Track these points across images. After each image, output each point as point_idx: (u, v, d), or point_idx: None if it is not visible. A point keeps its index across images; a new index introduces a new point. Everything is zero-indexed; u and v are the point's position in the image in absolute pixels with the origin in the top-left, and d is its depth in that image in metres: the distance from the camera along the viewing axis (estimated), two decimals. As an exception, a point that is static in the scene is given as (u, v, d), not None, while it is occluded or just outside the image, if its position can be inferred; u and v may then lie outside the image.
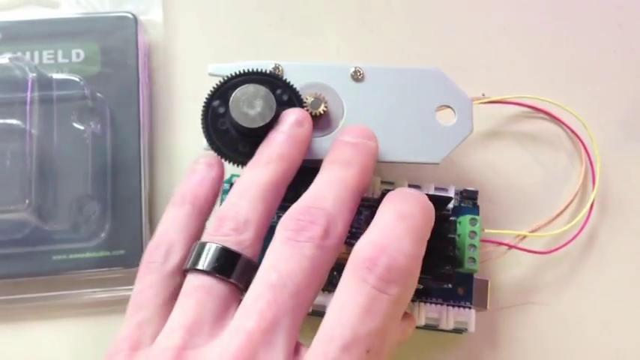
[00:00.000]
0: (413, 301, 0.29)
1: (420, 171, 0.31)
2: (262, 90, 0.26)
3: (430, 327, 0.30)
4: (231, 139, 0.27)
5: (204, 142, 0.27)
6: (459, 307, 0.29)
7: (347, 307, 0.22)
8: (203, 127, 0.27)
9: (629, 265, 0.33)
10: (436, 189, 0.30)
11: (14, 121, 0.30)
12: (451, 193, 0.30)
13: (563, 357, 0.32)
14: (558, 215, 0.33)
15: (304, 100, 0.28)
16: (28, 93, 0.30)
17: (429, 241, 0.25)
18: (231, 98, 0.26)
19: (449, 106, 0.29)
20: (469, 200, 0.31)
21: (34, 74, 0.31)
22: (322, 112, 0.28)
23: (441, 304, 0.29)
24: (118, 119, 0.32)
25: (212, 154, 0.27)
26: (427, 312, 0.29)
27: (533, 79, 0.35)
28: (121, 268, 0.31)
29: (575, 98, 0.34)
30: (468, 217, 0.28)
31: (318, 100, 0.28)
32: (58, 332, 0.31)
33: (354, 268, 0.22)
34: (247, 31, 0.35)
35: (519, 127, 0.35)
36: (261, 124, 0.26)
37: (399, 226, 0.23)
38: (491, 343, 0.32)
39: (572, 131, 0.34)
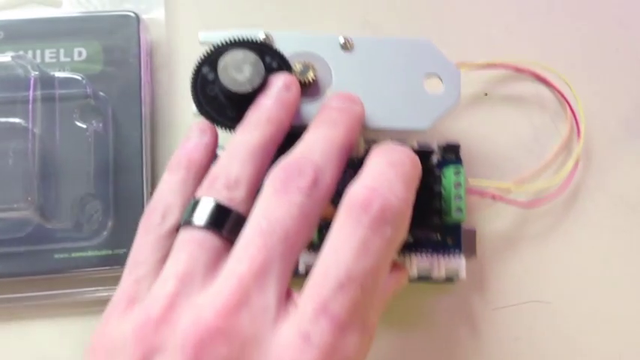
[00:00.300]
0: (404, 253, 0.30)
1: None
2: (251, 56, 0.26)
3: (423, 278, 0.30)
4: (220, 104, 0.27)
5: (193, 107, 0.28)
6: (449, 256, 0.30)
7: (341, 247, 0.22)
8: (192, 93, 0.27)
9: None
10: (419, 145, 0.31)
11: (17, 120, 0.30)
12: (433, 147, 0.31)
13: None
14: (542, 170, 0.33)
15: (293, 67, 0.28)
16: (31, 91, 0.30)
17: (416, 195, 0.26)
18: (220, 63, 0.26)
19: (437, 76, 0.29)
20: (451, 153, 0.32)
21: (37, 73, 0.31)
22: (311, 79, 0.28)
23: (432, 255, 0.30)
24: (120, 118, 0.32)
25: (202, 120, 0.28)
26: (419, 263, 0.30)
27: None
28: (123, 266, 0.31)
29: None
30: (452, 168, 0.29)
31: (306, 68, 0.28)
32: (60, 331, 0.31)
33: (349, 209, 0.23)
34: (250, 29, 0.35)
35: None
36: (249, 90, 0.26)
37: (389, 172, 0.24)
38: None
39: (557, 90, 0.35)
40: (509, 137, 0.34)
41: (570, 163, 0.33)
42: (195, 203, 0.24)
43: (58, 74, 0.32)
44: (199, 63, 0.27)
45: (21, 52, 0.31)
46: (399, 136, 0.30)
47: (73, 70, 0.32)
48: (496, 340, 0.32)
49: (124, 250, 0.31)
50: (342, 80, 0.29)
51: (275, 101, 0.26)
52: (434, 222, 0.29)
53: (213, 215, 0.24)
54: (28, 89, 0.30)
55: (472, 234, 0.31)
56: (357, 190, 0.23)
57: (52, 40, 0.33)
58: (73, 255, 0.31)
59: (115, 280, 0.30)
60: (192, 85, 0.27)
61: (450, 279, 0.31)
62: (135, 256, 0.25)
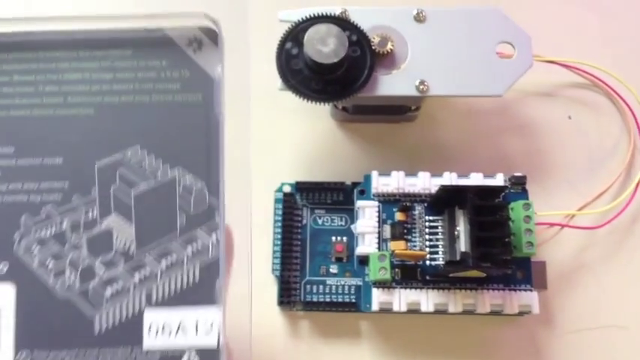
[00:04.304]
0: (475, 289, 0.30)
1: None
2: (334, 28, 0.28)
3: (495, 313, 0.31)
4: (305, 77, 0.28)
5: (279, 82, 0.29)
6: (520, 290, 0.31)
7: None
8: (278, 68, 0.28)
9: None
10: (485, 177, 0.32)
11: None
12: (500, 181, 0.31)
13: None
14: (604, 192, 0.34)
15: (371, 40, 0.29)
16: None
17: (488, 230, 0.27)
18: (305, 37, 0.27)
19: (509, 42, 0.30)
20: (518, 186, 0.32)
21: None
22: (389, 50, 0.29)
23: (503, 290, 0.31)
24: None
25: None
26: (491, 299, 0.30)
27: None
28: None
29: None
30: (521, 202, 0.30)
31: (384, 40, 0.29)
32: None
33: None
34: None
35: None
36: (335, 60, 0.27)
37: None
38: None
39: (627, 104, 0.35)
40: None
41: (631, 187, 0.33)
42: None
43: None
44: (283, 39, 0.28)
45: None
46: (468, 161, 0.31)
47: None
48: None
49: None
50: (418, 51, 0.30)
51: None
52: (505, 257, 0.29)
53: None
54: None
55: (542, 266, 0.31)
56: None
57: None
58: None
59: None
60: (278, 60, 0.28)
61: (521, 313, 0.31)
62: None
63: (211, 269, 0.23)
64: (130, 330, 0.23)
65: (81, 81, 0.25)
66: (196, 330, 0.23)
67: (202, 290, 0.23)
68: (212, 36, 0.25)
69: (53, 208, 0.24)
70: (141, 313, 0.23)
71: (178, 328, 0.23)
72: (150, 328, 0.23)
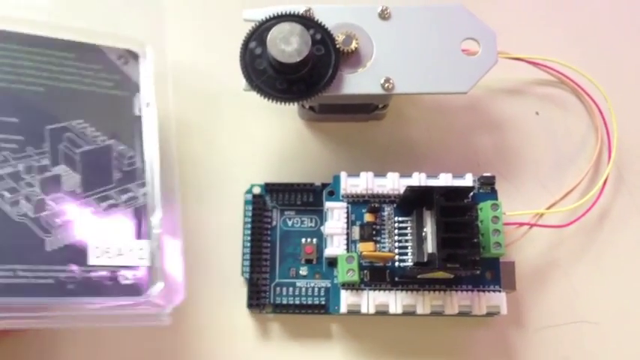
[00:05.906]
0: (444, 290, 0.30)
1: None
2: (297, 27, 0.27)
3: (463, 314, 0.31)
4: (269, 77, 0.28)
5: (243, 82, 0.28)
6: (488, 291, 0.31)
7: None
8: (242, 68, 0.28)
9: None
10: (454, 177, 0.31)
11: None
12: (469, 181, 0.31)
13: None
14: (572, 190, 0.34)
15: (336, 38, 0.29)
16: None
17: (456, 231, 0.27)
18: (268, 36, 0.27)
19: (473, 39, 0.30)
20: (487, 186, 0.32)
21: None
22: (354, 48, 0.29)
23: (472, 291, 0.31)
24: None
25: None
26: (459, 300, 0.30)
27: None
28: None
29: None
30: (489, 202, 0.29)
31: (349, 38, 0.29)
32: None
33: None
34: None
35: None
36: (298, 59, 0.27)
37: None
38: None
39: (594, 101, 0.35)
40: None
41: (599, 184, 0.33)
42: None
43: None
44: (246, 38, 0.28)
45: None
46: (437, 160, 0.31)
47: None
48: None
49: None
50: (383, 49, 0.30)
51: None
52: (473, 257, 0.28)
53: None
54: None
55: (511, 267, 0.31)
56: None
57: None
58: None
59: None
60: (242, 60, 0.28)
61: (490, 314, 0.31)
62: None
63: (142, 212, 0.29)
64: (77, 251, 0.27)
65: (31, 67, 0.29)
66: (131, 254, 0.29)
67: (135, 226, 0.29)
68: (136, 54, 0.32)
69: (10, 154, 0.28)
70: (86, 240, 0.28)
71: (117, 253, 0.28)
72: (95, 250, 0.28)
